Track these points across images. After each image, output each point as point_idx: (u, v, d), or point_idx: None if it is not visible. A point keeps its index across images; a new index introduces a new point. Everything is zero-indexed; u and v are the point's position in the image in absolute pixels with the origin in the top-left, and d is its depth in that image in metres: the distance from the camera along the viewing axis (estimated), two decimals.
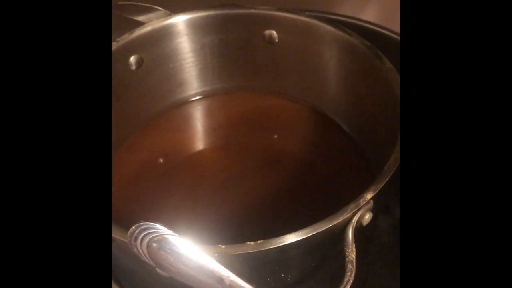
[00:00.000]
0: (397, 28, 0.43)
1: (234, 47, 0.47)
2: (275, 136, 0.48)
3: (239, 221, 0.41)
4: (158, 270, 0.30)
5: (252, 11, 0.45)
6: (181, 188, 0.44)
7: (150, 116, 0.48)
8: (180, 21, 0.44)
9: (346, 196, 0.32)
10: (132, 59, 0.44)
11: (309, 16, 0.44)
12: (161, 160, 0.47)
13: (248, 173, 0.45)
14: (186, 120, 0.49)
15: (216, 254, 0.28)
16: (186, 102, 0.49)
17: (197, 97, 0.49)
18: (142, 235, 0.27)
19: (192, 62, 0.47)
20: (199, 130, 0.49)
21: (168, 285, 0.33)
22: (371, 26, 0.46)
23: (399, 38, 0.44)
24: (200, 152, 0.48)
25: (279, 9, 0.44)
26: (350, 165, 0.45)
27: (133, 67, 0.44)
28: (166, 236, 0.27)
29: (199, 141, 0.49)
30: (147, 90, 0.47)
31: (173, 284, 0.31)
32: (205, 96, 0.49)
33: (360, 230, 0.31)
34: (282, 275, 0.32)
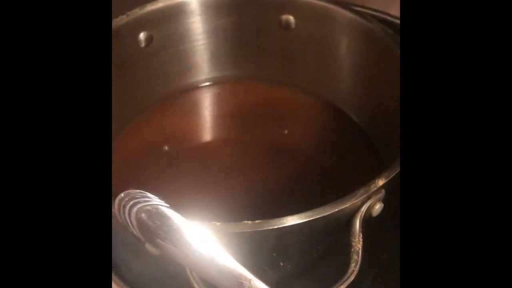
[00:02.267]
0: None
1: (248, 32, 0.45)
2: (285, 129, 0.46)
3: (244, 210, 0.39)
4: (147, 246, 0.28)
5: None
6: (184, 176, 0.42)
7: (156, 99, 0.46)
8: (191, 0, 0.43)
9: (355, 180, 0.30)
10: (142, 35, 0.42)
11: (328, 1, 0.42)
12: (165, 147, 0.45)
13: (256, 164, 0.43)
14: (194, 106, 0.47)
15: (211, 231, 0.26)
16: (194, 87, 0.47)
17: (207, 83, 0.47)
18: (131, 203, 0.25)
19: (204, 45, 0.45)
20: (206, 118, 0.47)
21: (159, 266, 0.31)
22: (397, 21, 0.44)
23: None
24: (206, 140, 0.46)
25: None
26: (362, 159, 0.42)
27: (142, 45, 0.43)
28: (158, 206, 0.25)
29: (206, 129, 0.47)
30: (155, 70, 0.45)
31: (164, 264, 0.29)
32: (215, 82, 0.47)
33: (368, 222, 0.29)
34: (281, 264, 0.29)
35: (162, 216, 0.25)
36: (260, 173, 0.42)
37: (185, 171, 0.43)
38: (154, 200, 0.25)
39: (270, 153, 0.44)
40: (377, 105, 0.41)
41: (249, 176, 0.42)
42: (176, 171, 0.43)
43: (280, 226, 0.26)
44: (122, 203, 0.25)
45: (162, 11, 0.42)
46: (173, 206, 0.40)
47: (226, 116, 0.47)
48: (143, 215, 0.25)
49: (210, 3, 0.43)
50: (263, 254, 0.28)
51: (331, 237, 0.29)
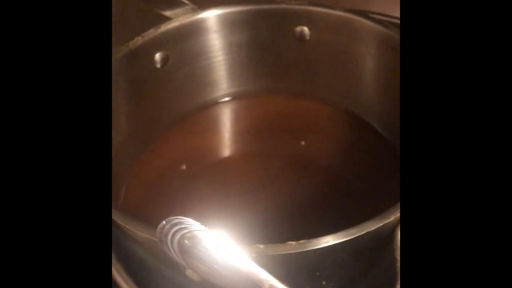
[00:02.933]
0: None
1: (264, 46, 0.44)
2: (305, 141, 0.45)
3: (268, 227, 0.38)
4: (188, 273, 0.27)
5: (283, 6, 0.43)
6: (205, 194, 0.42)
7: (174, 119, 0.46)
8: (208, 17, 0.42)
9: (384, 204, 0.29)
10: (158, 56, 0.42)
11: (343, 10, 0.41)
12: (185, 166, 0.44)
13: (277, 178, 0.42)
14: (212, 123, 0.47)
15: (254, 254, 0.25)
16: (212, 104, 0.47)
17: (224, 99, 0.47)
18: (173, 231, 0.24)
19: (219, 62, 0.45)
20: (225, 134, 0.47)
21: None
22: None
23: None
24: (226, 156, 0.45)
25: (311, 4, 0.42)
26: (387, 170, 0.41)
27: (158, 65, 0.42)
28: (200, 232, 0.25)
29: (225, 146, 0.46)
30: (172, 90, 0.44)
31: None
32: (233, 98, 0.47)
33: None
34: (324, 283, 0.29)
35: (205, 242, 0.24)
36: (282, 188, 0.41)
37: (206, 189, 0.42)
38: (196, 225, 0.25)
39: (292, 167, 0.43)
40: (396, 111, 0.40)
41: (271, 191, 0.41)
42: (197, 189, 0.42)
43: (325, 245, 0.26)
44: (164, 231, 0.24)
45: (178, 30, 0.42)
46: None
47: (244, 131, 0.46)
48: (186, 241, 0.24)
49: (224, 20, 0.43)
50: (306, 274, 0.28)
51: (372, 252, 0.29)
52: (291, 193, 0.40)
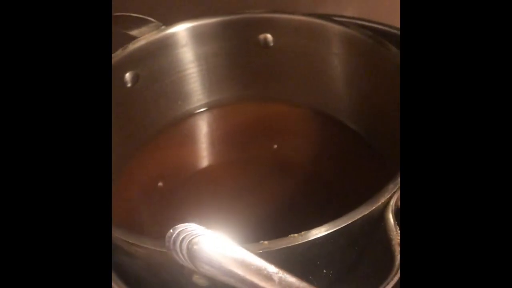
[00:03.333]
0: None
1: (230, 55, 0.46)
2: (282, 144, 0.46)
3: (255, 231, 0.39)
4: (195, 279, 0.28)
5: (245, 15, 0.44)
6: (188, 207, 0.42)
7: (149, 135, 0.46)
8: (174, 32, 0.43)
9: (364, 195, 0.30)
10: (128, 76, 0.42)
11: (303, 15, 0.43)
12: (164, 181, 0.44)
13: (259, 184, 0.43)
14: (188, 136, 0.47)
15: (260, 251, 0.26)
16: (185, 117, 0.47)
17: (197, 111, 0.48)
18: (180, 238, 0.25)
19: (189, 75, 0.46)
20: (202, 146, 0.48)
21: None
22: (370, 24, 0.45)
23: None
24: (205, 168, 0.46)
25: (272, 11, 0.44)
26: (362, 164, 0.43)
27: (129, 85, 0.43)
28: (205, 236, 0.25)
29: (203, 157, 0.47)
30: (144, 107, 0.45)
31: None
32: (205, 109, 0.48)
33: (397, 214, 0.30)
34: (324, 271, 0.30)
35: (211, 244, 0.25)
36: (264, 192, 0.42)
37: (188, 202, 0.43)
38: (201, 230, 0.26)
39: (271, 171, 0.44)
40: (371, 108, 0.42)
41: (253, 197, 0.42)
42: (179, 203, 0.43)
43: (325, 233, 0.27)
44: (172, 239, 0.25)
45: (145, 48, 0.42)
46: None
47: (220, 140, 0.47)
48: (194, 246, 0.25)
49: (190, 34, 0.44)
50: (307, 264, 0.29)
51: (367, 236, 0.30)
52: (274, 197, 0.41)
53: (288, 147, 0.46)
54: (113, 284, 0.32)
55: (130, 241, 0.28)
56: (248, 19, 0.44)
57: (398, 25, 0.43)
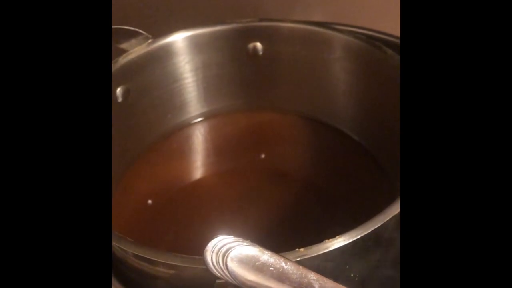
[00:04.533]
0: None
1: (220, 66, 0.45)
2: (276, 153, 0.46)
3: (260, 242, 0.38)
4: None
5: (234, 25, 0.44)
6: (177, 225, 0.41)
7: (141, 151, 0.45)
8: (164, 44, 0.42)
9: (361, 202, 0.30)
10: (119, 91, 0.41)
11: (293, 22, 0.43)
12: (157, 196, 0.43)
13: (253, 195, 0.42)
14: (180, 149, 0.46)
15: (298, 259, 0.26)
16: (176, 130, 0.46)
17: (188, 124, 0.47)
18: (217, 253, 0.24)
19: (179, 87, 0.45)
20: (191, 160, 0.47)
21: None
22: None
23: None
24: (195, 183, 0.45)
25: (261, 20, 0.44)
26: (360, 172, 0.43)
27: (120, 100, 0.41)
28: (241, 247, 0.25)
29: (193, 171, 0.46)
30: (135, 122, 0.44)
31: None
32: (196, 122, 0.47)
33: None
34: (351, 275, 0.30)
35: (250, 256, 0.25)
36: (262, 203, 0.41)
37: (177, 219, 0.42)
38: (236, 241, 0.25)
39: (265, 181, 0.43)
40: (368, 114, 0.42)
41: (248, 208, 0.41)
42: (168, 221, 0.42)
43: (357, 237, 0.27)
44: (210, 255, 0.24)
45: (135, 62, 0.41)
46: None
47: (213, 152, 0.47)
48: (234, 262, 0.24)
49: (179, 46, 0.43)
50: (338, 268, 0.29)
51: (391, 236, 0.30)
52: (269, 208, 0.41)
53: (283, 156, 0.46)
54: None
55: (156, 259, 0.27)
56: (237, 28, 0.44)
57: (367, 26, 0.44)
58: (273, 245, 0.38)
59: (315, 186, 0.43)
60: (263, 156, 0.46)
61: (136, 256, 0.29)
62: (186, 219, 0.41)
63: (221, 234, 0.25)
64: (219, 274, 0.24)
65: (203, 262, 0.24)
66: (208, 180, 0.45)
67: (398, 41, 0.42)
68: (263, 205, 0.41)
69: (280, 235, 0.39)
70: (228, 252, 0.24)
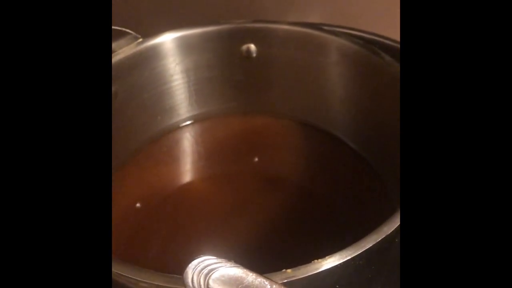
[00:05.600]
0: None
1: (212, 68, 0.44)
2: (268, 158, 0.44)
3: (248, 250, 0.37)
4: None
5: (228, 26, 0.42)
6: (165, 230, 0.40)
7: (129, 154, 0.43)
8: (153, 45, 0.41)
9: (356, 209, 0.29)
10: None
11: (288, 24, 0.42)
12: (146, 200, 0.42)
13: (244, 201, 0.41)
14: (169, 152, 0.45)
15: (285, 280, 0.25)
16: (166, 133, 0.45)
17: (178, 126, 0.45)
18: (198, 273, 0.23)
19: (168, 89, 0.44)
20: (181, 163, 0.45)
21: None
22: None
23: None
24: (185, 186, 0.43)
25: (255, 21, 0.42)
26: (355, 178, 0.42)
27: None
28: (225, 268, 0.23)
29: (182, 175, 0.45)
30: (123, 125, 0.42)
31: None
32: (186, 124, 0.46)
33: None
34: None
35: (234, 279, 0.23)
36: (254, 208, 0.40)
37: (165, 224, 0.40)
38: (220, 262, 0.23)
39: (256, 186, 0.42)
40: (362, 119, 0.41)
41: (238, 215, 0.40)
42: (156, 226, 0.40)
43: (349, 257, 0.26)
44: (191, 276, 0.23)
45: (123, 62, 0.40)
46: (171, 261, 0.38)
47: (201, 157, 0.45)
48: (216, 283, 0.23)
49: (169, 46, 0.42)
50: None
51: (384, 254, 0.29)
52: (263, 215, 0.39)
53: (276, 162, 0.44)
54: None
55: (138, 278, 0.26)
56: (230, 29, 0.42)
57: (364, 28, 0.43)
58: (261, 259, 0.37)
59: (309, 193, 0.41)
60: (255, 160, 0.45)
61: (117, 274, 0.27)
62: (175, 224, 0.40)
63: (204, 254, 0.24)
64: None
65: (183, 283, 0.23)
66: (199, 184, 0.43)
67: (397, 45, 0.41)
68: (253, 212, 0.40)
69: (271, 247, 0.38)
70: (211, 274, 0.23)
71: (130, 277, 0.26)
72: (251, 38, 0.43)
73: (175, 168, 0.45)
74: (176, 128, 0.45)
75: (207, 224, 0.40)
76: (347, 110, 0.42)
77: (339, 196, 0.40)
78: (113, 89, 0.40)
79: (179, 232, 0.39)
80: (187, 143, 0.46)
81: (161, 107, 0.44)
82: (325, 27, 0.42)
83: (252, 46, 0.43)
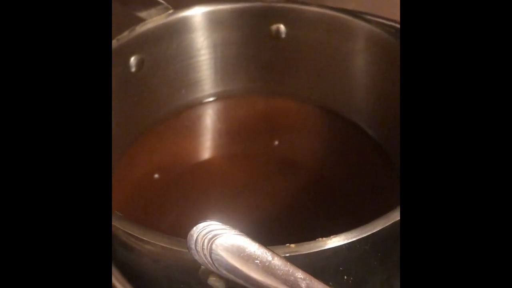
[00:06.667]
0: None
1: (239, 46, 0.44)
2: (288, 141, 0.44)
3: (259, 228, 0.37)
4: (212, 280, 0.26)
5: (258, 4, 0.42)
6: (181, 203, 0.40)
7: (150, 124, 0.44)
8: (183, 17, 0.41)
9: (369, 197, 0.29)
10: (133, 60, 0.40)
11: (319, 6, 0.41)
12: (165, 172, 0.42)
13: (263, 180, 0.41)
14: (190, 127, 0.45)
15: (287, 254, 0.24)
16: (188, 107, 0.45)
17: (202, 102, 0.46)
18: (202, 237, 0.23)
19: (195, 63, 0.44)
20: (201, 139, 0.46)
21: None
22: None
23: None
24: (203, 162, 0.44)
25: (288, 1, 0.42)
26: (372, 167, 0.41)
27: (133, 69, 0.40)
28: (228, 235, 0.23)
29: (202, 151, 0.45)
30: (146, 95, 0.42)
31: None
32: (211, 100, 0.46)
33: None
34: (345, 277, 0.28)
35: (236, 246, 0.23)
36: (268, 189, 0.40)
37: (182, 197, 0.41)
38: (225, 229, 0.24)
39: (273, 168, 0.42)
40: (388, 111, 0.40)
41: (254, 194, 0.40)
42: (173, 198, 0.41)
43: (354, 239, 0.25)
44: (194, 239, 0.23)
45: (152, 32, 0.40)
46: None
47: (224, 133, 0.45)
48: (219, 250, 0.23)
49: (199, 20, 0.42)
50: (330, 270, 0.27)
51: (391, 242, 0.29)
52: (278, 194, 0.39)
53: (294, 145, 0.44)
54: (113, 279, 0.30)
55: (144, 238, 0.26)
56: (261, 8, 0.42)
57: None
58: (271, 236, 0.37)
59: (324, 178, 0.41)
60: (275, 143, 0.45)
61: (125, 232, 0.28)
62: (190, 197, 0.40)
63: (211, 219, 0.24)
64: (201, 260, 0.23)
65: (186, 245, 0.23)
66: (216, 161, 0.44)
67: None
68: (267, 192, 0.40)
69: (281, 226, 0.38)
70: (214, 239, 0.23)
71: (136, 236, 0.27)
72: (282, 19, 0.42)
73: (194, 142, 0.45)
74: (199, 104, 0.45)
75: (223, 198, 0.40)
76: (370, 99, 0.41)
77: (354, 184, 0.40)
78: (140, 57, 0.40)
79: (193, 204, 0.40)
80: (209, 119, 0.46)
81: (186, 81, 0.44)
82: (357, 13, 0.41)
83: (282, 27, 0.43)
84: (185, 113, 0.45)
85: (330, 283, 0.27)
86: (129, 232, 0.27)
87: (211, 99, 0.46)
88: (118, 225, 0.28)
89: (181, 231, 0.37)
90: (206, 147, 0.45)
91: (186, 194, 0.41)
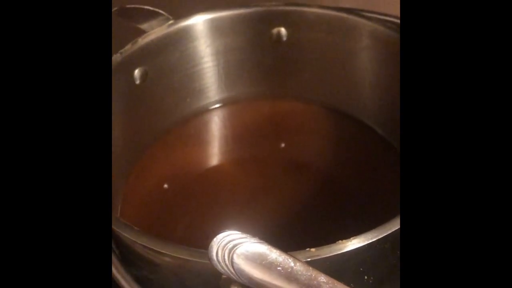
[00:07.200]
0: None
1: (242, 51, 0.44)
2: (296, 143, 0.44)
3: (272, 233, 0.37)
4: None
5: (258, 8, 0.42)
6: (191, 211, 0.40)
7: (158, 134, 0.44)
8: (184, 26, 0.41)
9: (381, 198, 0.30)
10: (137, 72, 0.40)
11: (320, 7, 0.41)
12: (175, 181, 0.42)
13: (271, 185, 0.41)
14: (197, 135, 0.45)
15: (308, 259, 0.24)
16: (194, 115, 0.45)
17: (207, 109, 0.46)
18: (223, 248, 0.23)
19: (198, 72, 0.44)
20: (209, 146, 0.46)
21: None
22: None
23: None
24: (212, 170, 0.44)
25: (286, 4, 0.42)
26: (381, 165, 0.41)
27: (138, 82, 0.40)
28: (249, 244, 0.23)
29: (210, 158, 0.45)
30: (153, 105, 0.42)
31: None
32: (216, 107, 0.46)
33: None
34: (365, 277, 0.28)
35: (258, 254, 0.23)
36: (280, 193, 0.40)
37: (192, 205, 0.41)
38: (245, 237, 0.24)
39: (283, 171, 0.42)
40: (392, 107, 0.40)
41: (265, 199, 0.40)
42: (183, 207, 0.41)
43: (373, 240, 0.25)
44: (215, 250, 0.23)
45: (154, 43, 0.40)
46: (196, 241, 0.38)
47: (229, 140, 0.45)
48: (240, 259, 0.23)
49: (200, 28, 0.42)
50: (351, 270, 0.27)
51: None
52: (289, 197, 0.39)
53: (303, 147, 0.44)
54: None
55: (163, 251, 0.26)
56: (261, 12, 0.42)
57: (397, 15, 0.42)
58: (285, 241, 0.36)
59: (335, 180, 0.41)
60: (282, 145, 0.45)
61: (143, 246, 0.28)
62: (202, 205, 0.40)
63: (229, 229, 0.24)
64: (223, 270, 0.23)
65: (207, 256, 0.23)
66: (226, 167, 0.44)
67: None
68: (279, 196, 0.40)
69: (294, 230, 0.38)
70: (235, 248, 0.23)
71: (155, 250, 0.27)
72: (282, 22, 0.42)
73: (202, 150, 0.45)
74: (205, 111, 0.46)
75: (233, 205, 0.40)
76: (376, 97, 0.41)
77: (365, 182, 0.40)
78: (144, 69, 0.40)
79: (205, 212, 0.40)
80: (215, 126, 0.46)
81: (190, 89, 0.44)
82: (357, 12, 0.41)
83: (283, 30, 0.43)
84: (191, 122, 0.45)
85: (351, 285, 0.27)
86: (148, 246, 0.27)
87: (216, 105, 0.46)
88: (137, 239, 0.28)
89: (194, 240, 0.38)
90: (214, 154, 0.45)
91: (197, 202, 0.41)
